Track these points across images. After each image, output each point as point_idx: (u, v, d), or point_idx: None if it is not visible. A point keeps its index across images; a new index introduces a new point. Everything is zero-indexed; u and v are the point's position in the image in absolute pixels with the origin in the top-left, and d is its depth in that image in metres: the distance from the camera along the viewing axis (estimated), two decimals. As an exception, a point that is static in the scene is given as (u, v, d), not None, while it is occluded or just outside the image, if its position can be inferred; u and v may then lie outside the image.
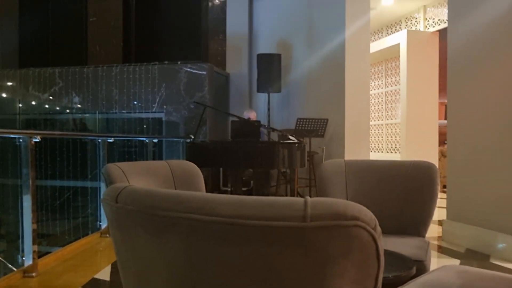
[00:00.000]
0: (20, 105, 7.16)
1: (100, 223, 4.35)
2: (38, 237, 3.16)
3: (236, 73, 7.44)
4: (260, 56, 6.58)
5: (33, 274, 2.97)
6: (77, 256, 3.55)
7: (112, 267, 3.20)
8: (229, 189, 6.05)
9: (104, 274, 3.08)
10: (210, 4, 8.00)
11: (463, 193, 3.95)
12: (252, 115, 6.11)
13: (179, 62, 6.52)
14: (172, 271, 0.89)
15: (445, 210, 4.18)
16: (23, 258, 3.02)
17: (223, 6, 7.82)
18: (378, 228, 0.79)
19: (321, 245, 0.75)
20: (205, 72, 6.40)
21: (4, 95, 7.19)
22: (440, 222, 4.58)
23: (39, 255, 3.15)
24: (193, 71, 6.43)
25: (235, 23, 7.50)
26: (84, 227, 5.96)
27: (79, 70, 6.89)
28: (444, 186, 4.77)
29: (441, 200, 4.35)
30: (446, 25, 5.79)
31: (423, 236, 2.40)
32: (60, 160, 6.67)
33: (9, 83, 7.14)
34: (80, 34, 9.20)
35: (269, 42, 7.20)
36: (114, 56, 8.65)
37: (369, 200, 2.46)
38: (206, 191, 2.47)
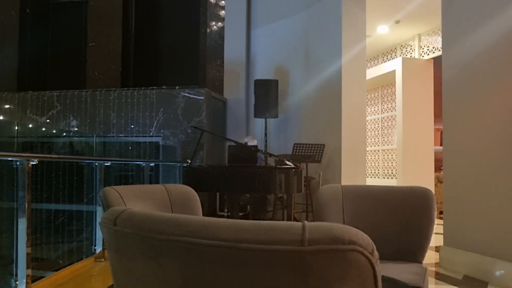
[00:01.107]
0: (18, 128, 7.17)
1: (95, 248, 4.30)
2: (32, 261, 3.12)
3: (233, 98, 7.50)
4: (258, 82, 6.65)
5: (26, 299, 2.92)
6: (71, 280, 3.51)
7: (106, 293, 3.16)
8: (226, 214, 6.02)
9: (98, 299, 3.03)
10: (208, 30, 8.12)
11: (460, 219, 3.94)
12: (254, 143, 6.11)
13: (177, 87, 6.58)
14: (169, 295, 0.89)
15: (442, 236, 4.17)
16: (17, 283, 2.98)
17: (221, 32, 7.94)
18: (376, 253, 0.79)
19: (318, 269, 0.76)
20: (202, 97, 6.45)
21: (1, 117, 7.21)
22: (437, 248, 4.56)
23: (33, 279, 3.11)
24: (191, 96, 6.48)
25: (233, 49, 7.60)
26: (78, 251, 5.89)
27: (78, 94, 6.93)
28: (441, 212, 4.77)
29: (437, 226, 4.33)
30: (440, 52, 5.89)
31: (421, 262, 2.39)
32: (56, 184, 6.63)
33: (7, 106, 7.16)
34: (79, 58, 9.29)
35: (266, 68, 7.28)
36: (112, 81, 8.71)
37: (366, 225, 2.45)
38: (203, 216, 2.46)
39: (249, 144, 5.93)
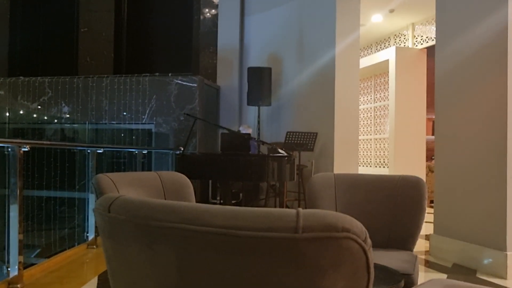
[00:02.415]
0: (8, 114, 7.10)
1: (87, 234, 4.30)
2: (23, 248, 3.12)
3: (226, 85, 7.47)
4: (251, 70, 6.62)
5: (18, 285, 2.92)
6: (63, 267, 3.51)
7: (98, 279, 3.17)
8: (218, 202, 6.04)
9: (91, 286, 3.04)
10: (202, 17, 8.06)
11: (450, 208, 3.99)
12: (248, 131, 6.12)
13: (170, 74, 6.54)
14: (164, 281, 0.90)
15: (432, 224, 4.22)
16: (8, 269, 2.98)
17: (214, 20, 7.88)
18: (369, 241, 0.80)
19: (312, 256, 0.76)
20: (195, 85, 6.42)
21: (-8, 103, 7.14)
22: (427, 237, 4.62)
23: (25, 266, 3.11)
24: (184, 83, 6.45)
25: (226, 36, 7.56)
26: (70, 238, 5.89)
27: (69, 80, 6.87)
28: (432, 201, 4.81)
29: (428, 215, 4.37)
30: (434, 42, 5.89)
31: (411, 250, 2.42)
32: (48, 170, 6.60)
33: (-2, 92, 7.09)
34: (71, 44, 9.19)
35: (260, 56, 7.25)
36: (105, 67, 8.64)
37: (358, 214, 2.47)
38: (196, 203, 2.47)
39: (243, 131, 5.93)
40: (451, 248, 3.89)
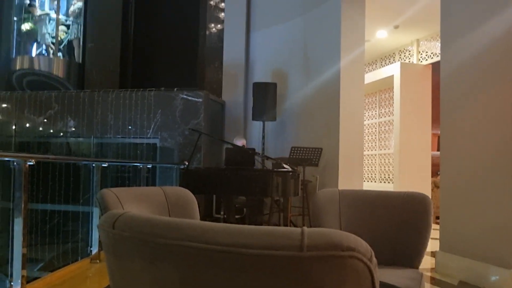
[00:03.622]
0: (15, 127, 7.15)
1: (91, 249, 4.29)
2: (27, 261, 3.11)
3: (231, 100, 7.50)
4: (256, 85, 6.65)
5: (21, 300, 2.91)
6: (66, 282, 3.49)
7: (102, 294, 3.15)
8: (222, 216, 6.02)
9: (94, 301, 3.02)
10: (208, 32, 8.13)
11: (456, 225, 3.95)
12: (242, 143, 6.15)
13: (175, 89, 6.57)
14: (167, 299, 0.89)
15: (438, 241, 4.18)
16: (12, 283, 2.97)
17: (220, 35, 7.95)
18: (374, 260, 0.80)
19: (317, 275, 0.76)
20: (201, 99, 6.45)
21: (-1, 117, 7.19)
22: (433, 254, 4.57)
23: (28, 280, 3.09)
24: (189, 98, 6.48)
25: (232, 51, 7.61)
26: (74, 252, 5.87)
27: (76, 95, 6.92)
28: (437, 217, 4.77)
29: (434, 231, 4.33)
30: (438, 58, 5.91)
31: (417, 267, 2.39)
32: (52, 184, 6.61)
33: (5, 105, 7.14)
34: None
35: (265, 71, 7.29)
36: (110, 82, 8.70)
37: (362, 230, 2.46)
38: (200, 218, 2.46)
39: (236, 143, 5.92)
40: (458, 266, 3.85)
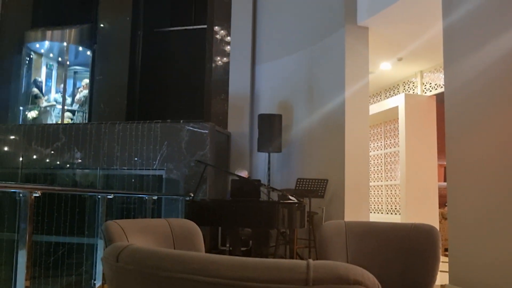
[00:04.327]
0: (22, 159, 7.20)
1: (95, 282, 4.23)
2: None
3: (237, 132, 7.54)
4: (261, 116, 6.70)
5: (23, 334, 2.86)
6: (69, 316, 3.44)
7: (104, 329, 3.09)
8: (228, 249, 5.95)
9: (96, 336, 2.97)
10: (214, 65, 8.25)
11: (466, 257, 3.88)
12: (245, 174, 6.15)
13: (181, 121, 6.63)
14: (171, 334, 0.88)
15: (447, 274, 4.09)
16: (14, 317, 2.92)
17: (226, 67, 8.06)
18: (381, 293, 0.78)
19: (323, 309, 0.75)
20: (207, 131, 6.48)
21: (6, 148, 7.25)
22: (442, 287, 4.47)
23: (31, 314, 3.05)
24: (195, 129, 6.52)
25: (237, 84, 7.70)
26: (77, 285, 5.80)
27: (83, 126, 6.99)
28: (446, 249, 4.70)
29: (443, 264, 4.26)
30: (442, 89, 5.94)
31: (426, 301, 2.34)
32: (58, 215, 6.60)
33: (12, 137, 7.22)
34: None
35: (270, 103, 7.35)
36: (117, 114, 8.80)
37: (369, 262, 2.42)
38: (205, 251, 2.44)
39: (238, 174, 5.91)
40: (468, 300, 3.76)
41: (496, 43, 3.70)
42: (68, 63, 9.42)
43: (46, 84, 9.67)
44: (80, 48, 9.46)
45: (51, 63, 9.85)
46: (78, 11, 9.69)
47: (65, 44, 9.31)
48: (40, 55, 9.67)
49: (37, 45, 9.53)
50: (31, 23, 9.52)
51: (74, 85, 9.92)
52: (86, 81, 9.53)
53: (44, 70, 9.71)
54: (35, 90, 9.17)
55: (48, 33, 9.34)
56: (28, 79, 9.36)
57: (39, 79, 9.42)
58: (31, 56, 9.54)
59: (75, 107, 9.53)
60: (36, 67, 9.54)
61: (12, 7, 9.24)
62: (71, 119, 9.30)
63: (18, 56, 9.35)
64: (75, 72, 10.01)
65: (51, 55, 9.77)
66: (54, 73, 9.86)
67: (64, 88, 9.36)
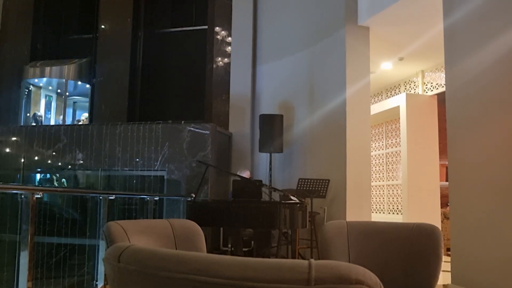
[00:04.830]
0: (24, 160, 7.20)
1: (97, 283, 4.23)
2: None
3: (238, 132, 7.53)
4: (263, 117, 6.69)
5: (25, 335, 2.86)
6: (71, 317, 3.44)
7: (107, 330, 3.09)
8: (229, 249, 5.95)
9: (98, 337, 2.97)
10: (214, 66, 8.25)
11: (468, 257, 3.87)
12: (247, 174, 6.14)
13: (182, 122, 6.62)
14: (172, 335, 0.87)
15: (449, 274, 4.09)
16: (16, 318, 2.92)
17: (227, 68, 8.06)
18: (383, 293, 0.78)
19: (325, 309, 0.74)
20: (208, 132, 6.48)
21: (8, 150, 7.25)
22: (445, 286, 4.46)
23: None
24: (197, 130, 6.52)
25: (238, 84, 7.70)
26: (79, 286, 5.80)
27: (84, 128, 6.99)
28: (448, 249, 4.69)
29: (445, 263, 4.26)
30: (444, 89, 5.93)
31: (428, 301, 2.34)
32: (59, 217, 6.60)
33: (14, 139, 7.23)
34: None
35: (271, 103, 7.35)
36: (119, 115, 8.80)
37: (371, 262, 2.42)
38: (207, 251, 2.43)
39: (241, 175, 5.91)
40: (470, 299, 3.75)
41: (497, 43, 3.69)
42: (67, 93, 9.43)
43: (45, 116, 9.68)
44: (79, 82, 9.48)
45: (50, 95, 9.87)
46: (77, 46, 9.71)
47: (63, 80, 9.31)
48: (39, 87, 9.67)
49: (36, 80, 9.54)
50: (30, 57, 9.49)
51: (74, 114, 9.96)
52: (86, 115, 9.53)
53: (43, 102, 9.73)
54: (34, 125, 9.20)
55: (47, 69, 9.33)
56: (27, 111, 9.35)
57: (39, 113, 9.41)
58: (30, 89, 9.53)
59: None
60: (35, 99, 9.53)
61: (11, 41, 9.20)
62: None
63: (17, 90, 9.33)
64: (75, 102, 10.04)
65: (50, 87, 9.80)
66: (53, 104, 9.89)
67: (64, 120, 9.38)
